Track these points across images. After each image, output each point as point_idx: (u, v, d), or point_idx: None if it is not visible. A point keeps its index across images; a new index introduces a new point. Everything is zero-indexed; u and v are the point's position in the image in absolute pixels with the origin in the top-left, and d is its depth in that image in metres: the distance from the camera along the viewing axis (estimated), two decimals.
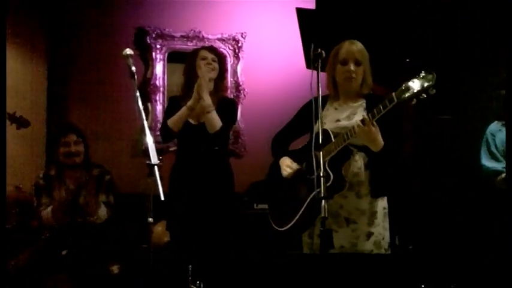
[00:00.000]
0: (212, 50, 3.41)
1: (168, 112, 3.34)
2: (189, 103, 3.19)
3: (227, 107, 3.32)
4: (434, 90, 2.32)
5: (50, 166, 3.71)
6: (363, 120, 2.45)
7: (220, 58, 3.40)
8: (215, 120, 3.18)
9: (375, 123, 2.44)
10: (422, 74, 2.34)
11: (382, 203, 2.66)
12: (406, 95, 2.35)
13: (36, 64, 4.93)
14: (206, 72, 3.24)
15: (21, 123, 3.10)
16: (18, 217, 4.22)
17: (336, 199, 2.57)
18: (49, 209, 3.43)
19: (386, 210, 2.68)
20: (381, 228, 2.63)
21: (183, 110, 3.21)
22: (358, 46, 2.69)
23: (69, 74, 5.07)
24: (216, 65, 3.31)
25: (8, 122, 3.03)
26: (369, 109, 2.58)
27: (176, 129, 3.22)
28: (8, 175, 4.42)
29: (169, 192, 3.21)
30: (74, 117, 4.95)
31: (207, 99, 3.17)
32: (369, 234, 2.60)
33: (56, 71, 5.02)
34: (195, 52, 3.37)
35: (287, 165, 2.75)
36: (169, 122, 3.24)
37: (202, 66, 3.26)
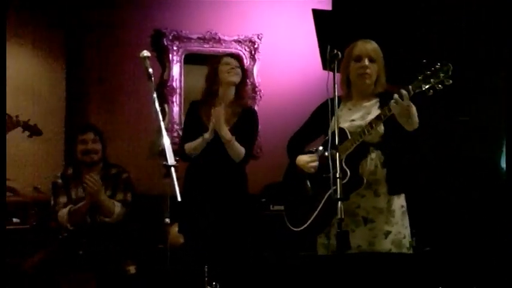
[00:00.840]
0: (235, 57, 3.44)
1: (187, 119, 3.36)
2: (207, 136, 3.20)
3: (249, 120, 3.35)
4: (451, 81, 2.32)
5: (68, 166, 3.75)
6: (401, 95, 2.40)
7: (243, 65, 3.44)
8: (238, 150, 3.21)
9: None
10: (438, 66, 2.34)
11: (399, 201, 2.64)
12: (423, 87, 2.35)
13: (55, 67, 4.99)
14: (230, 77, 3.26)
15: (34, 131, 3.15)
16: (37, 217, 4.27)
17: (353, 198, 2.56)
18: (66, 209, 3.46)
19: (405, 209, 2.66)
20: (400, 227, 2.61)
21: (200, 141, 3.22)
22: (372, 44, 2.69)
23: (87, 76, 5.12)
24: (239, 71, 3.33)
25: (20, 129, 3.07)
26: (382, 106, 2.56)
27: (193, 155, 3.26)
28: (26, 176, 4.51)
29: (184, 193, 3.21)
30: (91, 118, 4.99)
31: (226, 133, 3.17)
32: (387, 233, 2.58)
33: (74, 73, 5.07)
34: (218, 58, 3.40)
35: (307, 162, 2.70)
36: (187, 147, 3.26)
37: (227, 70, 3.29)
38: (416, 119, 2.46)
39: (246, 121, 3.30)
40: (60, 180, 3.59)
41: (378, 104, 2.67)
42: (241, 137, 3.24)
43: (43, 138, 4.74)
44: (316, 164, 2.67)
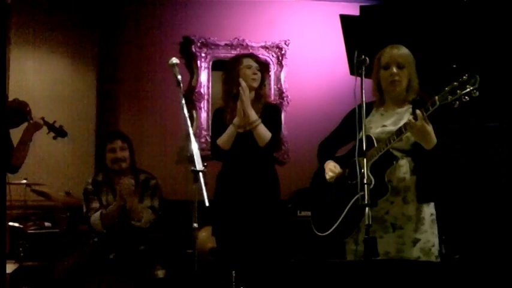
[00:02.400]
0: (255, 58, 3.38)
1: (214, 126, 3.36)
2: (236, 121, 3.18)
3: (272, 113, 3.31)
4: (478, 93, 2.29)
5: (98, 172, 3.81)
6: (415, 116, 2.40)
7: (263, 66, 3.38)
8: (264, 133, 3.17)
9: (427, 119, 2.40)
10: (465, 77, 2.31)
11: (429, 209, 2.62)
12: (449, 98, 2.33)
13: (86, 74, 5.10)
14: (251, 82, 3.25)
15: (59, 132, 3.18)
16: (68, 222, 4.35)
17: (382, 204, 2.54)
18: (97, 214, 3.51)
19: (434, 217, 2.63)
20: (429, 235, 2.58)
21: (231, 128, 3.20)
22: (400, 50, 2.66)
23: (117, 83, 5.21)
24: (259, 74, 3.30)
25: (45, 130, 3.12)
26: (414, 114, 2.55)
27: (227, 147, 3.23)
28: (58, 181, 4.60)
29: (215, 198, 3.23)
30: (121, 125, 5.08)
31: (253, 114, 3.16)
32: (415, 241, 2.55)
33: (105, 80, 5.17)
34: (238, 60, 3.34)
35: (330, 169, 2.74)
36: (219, 141, 3.24)
37: (248, 75, 3.26)
38: (432, 137, 2.44)
39: (269, 114, 3.27)
40: (91, 186, 3.64)
41: (410, 110, 2.64)
42: (267, 126, 3.21)
43: (74, 144, 4.85)
44: (332, 175, 2.71)
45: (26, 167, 3.16)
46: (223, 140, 3.22)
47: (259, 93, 3.32)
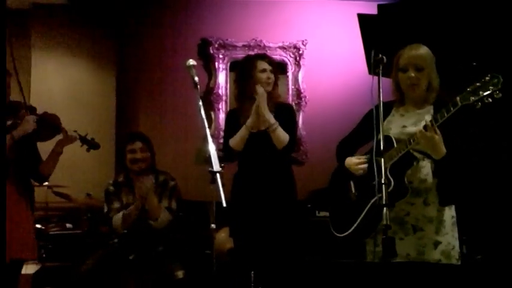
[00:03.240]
0: (268, 59, 3.34)
1: (227, 127, 3.35)
2: (249, 123, 3.18)
3: (286, 113, 3.30)
4: (500, 94, 2.25)
5: (119, 173, 3.85)
6: (425, 126, 2.40)
7: (276, 66, 3.35)
8: (282, 136, 3.16)
9: (437, 130, 2.39)
10: (488, 78, 2.28)
11: (450, 212, 2.59)
12: (471, 99, 2.29)
13: (105, 76, 5.16)
14: (266, 86, 3.23)
15: (92, 145, 3.25)
16: (89, 223, 4.40)
17: (403, 206, 2.52)
18: (120, 214, 3.55)
19: (455, 219, 2.60)
20: (450, 238, 2.55)
21: (243, 130, 3.20)
22: (419, 51, 2.61)
23: (136, 85, 5.26)
24: (273, 77, 3.28)
25: (79, 143, 3.19)
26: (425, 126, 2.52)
27: (239, 149, 3.23)
28: (79, 183, 4.65)
29: (232, 199, 3.24)
30: (141, 126, 5.13)
31: (271, 118, 3.15)
32: (436, 243, 2.53)
33: (124, 82, 5.22)
34: (252, 62, 3.32)
35: (356, 164, 2.67)
36: (231, 142, 3.25)
37: (263, 79, 3.24)
38: (441, 147, 2.42)
39: (282, 116, 3.25)
40: (112, 187, 3.68)
41: (431, 111, 2.61)
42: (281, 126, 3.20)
43: None
44: (365, 166, 2.64)
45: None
46: (236, 141, 3.22)
47: (272, 93, 3.30)
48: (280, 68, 3.81)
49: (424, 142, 2.42)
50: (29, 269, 3.92)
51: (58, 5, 5.02)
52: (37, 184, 3.35)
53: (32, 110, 3.09)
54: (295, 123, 3.39)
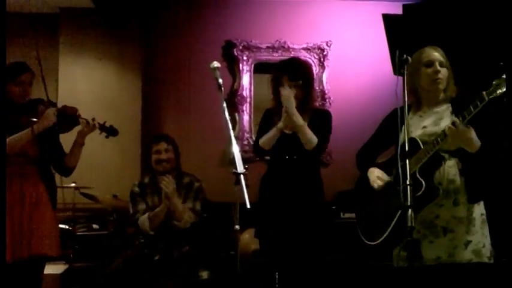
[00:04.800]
0: (295, 76, 3.19)
1: (261, 125, 3.34)
2: (280, 125, 3.15)
3: (320, 118, 3.26)
4: None
5: (144, 175, 3.88)
6: (453, 122, 2.37)
7: (305, 78, 3.23)
8: (310, 137, 3.13)
9: (467, 124, 2.35)
10: None
11: (479, 209, 2.55)
12: (498, 92, 2.27)
13: (131, 78, 5.21)
14: (292, 99, 3.14)
15: (111, 131, 3.25)
16: (116, 224, 4.44)
17: (432, 208, 2.50)
18: (146, 216, 3.58)
19: (485, 217, 2.57)
20: (480, 236, 2.52)
21: (274, 131, 3.18)
22: (439, 50, 2.63)
23: (161, 87, 5.31)
24: (299, 91, 3.17)
25: (98, 131, 3.20)
26: (456, 111, 2.49)
27: (268, 148, 3.22)
28: (105, 184, 4.71)
29: (260, 199, 3.23)
30: (166, 128, 5.17)
31: (298, 119, 3.11)
32: (467, 243, 2.50)
33: (150, 84, 5.27)
34: (278, 79, 3.22)
35: (377, 177, 2.68)
36: (261, 142, 3.23)
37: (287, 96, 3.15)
38: (475, 140, 2.39)
39: (317, 119, 3.22)
40: (137, 189, 3.72)
41: (450, 109, 2.59)
42: (316, 134, 3.16)
43: (121, 148, 4.97)
44: (381, 184, 2.65)
45: (74, 171, 3.25)
46: (264, 140, 3.22)
47: (305, 100, 3.23)
48: None
49: (455, 138, 2.39)
50: (56, 269, 3.99)
51: (85, 9, 5.09)
52: (61, 185, 3.37)
53: (52, 105, 3.12)
54: (330, 128, 3.31)
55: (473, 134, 2.38)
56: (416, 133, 2.58)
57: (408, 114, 2.66)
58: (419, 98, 2.67)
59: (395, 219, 2.51)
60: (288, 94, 3.12)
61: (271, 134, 3.20)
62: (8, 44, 4.98)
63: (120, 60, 5.19)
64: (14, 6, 5.05)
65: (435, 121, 2.59)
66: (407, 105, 2.64)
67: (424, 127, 2.60)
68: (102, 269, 3.48)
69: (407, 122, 2.42)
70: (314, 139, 3.14)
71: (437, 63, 2.58)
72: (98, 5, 5.04)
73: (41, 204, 3.03)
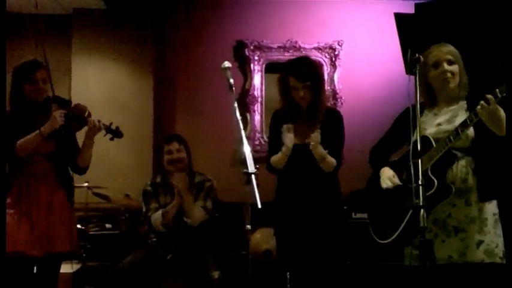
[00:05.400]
0: (302, 77, 3.06)
1: (272, 130, 3.24)
2: (285, 150, 3.03)
3: (334, 121, 3.16)
4: None
5: (157, 174, 3.90)
6: (487, 100, 2.30)
7: (313, 78, 3.10)
8: (330, 164, 3.03)
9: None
10: None
11: (492, 209, 2.53)
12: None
13: (143, 78, 5.24)
14: (301, 102, 3.08)
15: (116, 133, 3.25)
16: (128, 223, 4.47)
17: (444, 207, 2.49)
18: (158, 213, 3.60)
19: (497, 216, 2.55)
20: (493, 236, 2.50)
21: (280, 155, 3.08)
22: (447, 47, 2.60)
23: (173, 87, 5.34)
24: (308, 92, 3.07)
25: (103, 132, 3.21)
26: (471, 108, 2.47)
27: (280, 167, 3.14)
28: (117, 184, 4.74)
29: (277, 197, 3.21)
30: (178, 128, 5.20)
31: (320, 151, 2.99)
32: (479, 243, 2.48)
33: (161, 84, 5.30)
34: (286, 79, 3.12)
35: (388, 178, 2.67)
36: (272, 161, 3.16)
37: (296, 96, 3.09)
38: (504, 123, 2.36)
39: (331, 123, 3.15)
40: (150, 188, 3.74)
41: (465, 106, 2.57)
42: (329, 141, 3.07)
43: (133, 148, 5.00)
44: (390, 185, 2.64)
45: (87, 170, 3.28)
46: (276, 160, 3.12)
47: (316, 101, 3.12)
48: None
49: (487, 116, 2.33)
50: (69, 268, 4.02)
51: (97, 10, 5.13)
52: (74, 184, 3.39)
53: (66, 103, 3.13)
54: (343, 131, 3.20)
55: (504, 115, 2.34)
56: (431, 130, 2.57)
57: (422, 111, 2.65)
58: (433, 96, 2.65)
59: (407, 217, 2.50)
60: (316, 136, 2.98)
61: (279, 156, 3.10)
62: (21, 45, 5.11)
63: (132, 61, 5.22)
64: (28, 8, 5.11)
65: (450, 119, 2.58)
66: (421, 103, 2.63)
67: (439, 124, 2.59)
68: (115, 268, 3.50)
69: (419, 121, 2.40)
70: (333, 164, 3.06)
71: (444, 63, 2.57)
72: (110, 6, 5.08)
73: (58, 201, 3.05)
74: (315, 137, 2.98)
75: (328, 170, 3.08)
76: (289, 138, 3.02)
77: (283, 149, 3.06)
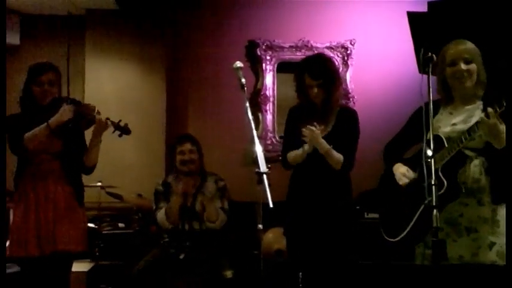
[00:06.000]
0: (316, 74, 3.06)
1: (288, 128, 3.27)
2: (306, 148, 3.06)
3: (348, 120, 3.16)
4: None
5: (169, 174, 3.92)
6: (487, 114, 2.32)
7: (328, 77, 3.09)
8: (336, 159, 3.05)
9: (499, 118, 2.30)
10: None
11: (504, 211, 2.50)
12: None
13: (156, 78, 5.26)
14: (315, 100, 3.10)
15: (124, 130, 3.25)
16: (140, 222, 4.49)
17: (456, 207, 2.47)
18: (162, 210, 3.63)
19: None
20: (505, 238, 2.46)
21: (300, 152, 3.10)
22: (465, 45, 2.57)
23: (185, 87, 5.35)
24: (322, 90, 3.08)
25: (112, 129, 3.21)
26: (485, 110, 2.44)
27: (295, 164, 3.17)
28: (130, 184, 4.76)
29: (289, 197, 3.21)
30: (190, 128, 5.21)
31: (323, 146, 3.02)
32: (491, 244, 2.45)
33: (174, 84, 5.32)
34: (301, 77, 3.12)
35: (403, 173, 2.66)
36: (289, 157, 3.17)
37: (312, 95, 3.10)
38: (503, 137, 2.34)
39: (344, 122, 3.15)
40: (161, 187, 3.76)
41: (481, 106, 2.55)
42: (341, 140, 3.09)
43: (146, 148, 5.04)
44: (406, 180, 2.62)
45: (100, 170, 3.28)
46: (292, 157, 3.15)
47: (329, 98, 3.12)
48: None
49: (486, 130, 2.34)
50: (82, 266, 4.05)
51: (110, 10, 5.16)
52: (88, 184, 3.40)
53: (76, 103, 3.15)
54: (358, 131, 3.18)
55: (503, 130, 2.33)
56: (445, 129, 2.55)
57: (438, 109, 2.63)
58: (449, 93, 2.63)
59: (416, 215, 2.50)
60: (317, 132, 3.00)
61: (298, 155, 3.11)
62: (36, 46, 5.16)
63: (145, 61, 5.24)
64: (41, 9, 5.15)
65: (465, 119, 2.55)
66: (437, 100, 2.62)
67: (454, 124, 2.57)
68: (130, 267, 3.52)
69: (433, 119, 2.38)
70: (340, 159, 3.06)
71: (461, 62, 2.54)
72: (123, 6, 5.10)
73: (65, 201, 3.06)
74: (309, 131, 2.98)
75: (336, 167, 3.08)
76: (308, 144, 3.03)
77: (305, 147, 3.06)
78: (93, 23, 5.24)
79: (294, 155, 3.16)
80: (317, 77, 3.05)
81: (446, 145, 2.47)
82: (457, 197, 2.44)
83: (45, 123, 2.97)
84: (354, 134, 3.17)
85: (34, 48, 5.25)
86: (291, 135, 3.20)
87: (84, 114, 3.10)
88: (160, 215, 3.64)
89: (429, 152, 2.31)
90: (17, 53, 5.28)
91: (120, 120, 3.18)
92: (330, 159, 3.05)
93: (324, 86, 3.06)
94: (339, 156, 3.07)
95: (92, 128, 3.15)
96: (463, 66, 2.54)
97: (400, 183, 2.65)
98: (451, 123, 2.58)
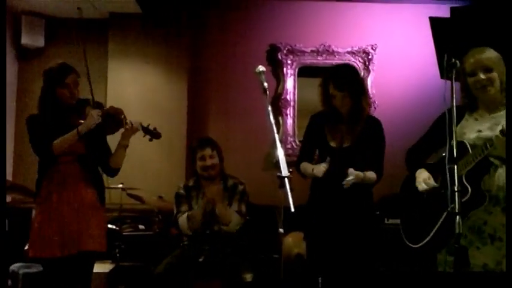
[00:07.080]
0: (341, 86, 3.05)
1: (307, 136, 3.26)
2: (313, 174, 3.06)
3: (373, 130, 3.14)
4: None
5: (190, 177, 3.94)
6: (502, 131, 2.31)
7: (352, 87, 3.07)
8: (371, 179, 3.06)
9: None
10: None
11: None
12: None
13: (177, 81, 5.31)
14: (341, 109, 3.10)
15: (154, 134, 3.29)
16: (161, 224, 4.52)
17: (480, 214, 2.45)
18: (185, 216, 3.64)
19: None
20: (505, 238, 2.43)
21: (310, 172, 3.09)
22: (484, 53, 2.53)
23: (207, 90, 5.38)
24: (347, 101, 3.08)
25: (142, 134, 3.24)
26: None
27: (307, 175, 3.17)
28: (151, 186, 4.80)
29: (309, 202, 3.21)
30: (211, 131, 5.24)
31: (361, 178, 3.00)
32: None
33: (195, 87, 5.35)
34: (326, 86, 3.12)
35: (424, 180, 2.63)
36: (302, 168, 3.18)
37: (337, 104, 3.10)
38: None
39: (370, 132, 3.13)
40: (182, 191, 3.78)
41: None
42: (369, 150, 3.09)
43: (167, 151, 5.07)
44: (426, 188, 2.59)
45: (122, 172, 3.31)
46: (305, 172, 3.15)
47: (356, 107, 3.11)
48: None
49: (500, 147, 2.33)
50: (103, 267, 4.09)
51: (133, 14, 5.21)
52: (109, 185, 3.43)
53: (99, 105, 3.19)
54: (383, 141, 3.18)
55: None
56: (471, 136, 2.53)
57: (463, 115, 2.62)
58: (475, 102, 2.61)
59: (440, 221, 2.48)
60: (349, 182, 2.98)
61: (309, 172, 3.10)
62: (60, 48, 5.23)
63: (166, 64, 5.29)
64: (67, 13, 5.23)
65: (491, 126, 2.52)
66: (462, 106, 2.59)
67: (479, 131, 2.54)
68: (152, 270, 3.55)
69: (458, 126, 2.36)
70: (374, 178, 3.07)
71: (480, 72, 2.51)
72: (146, 10, 5.15)
73: (88, 201, 3.09)
74: (349, 180, 2.97)
75: (370, 184, 3.10)
76: (321, 169, 3.03)
77: (315, 171, 3.06)
78: (116, 26, 5.30)
79: (305, 169, 3.16)
80: (342, 89, 3.05)
81: (471, 152, 2.44)
82: (481, 204, 2.42)
83: (75, 130, 3.00)
84: (381, 145, 3.17)
85: (58, 51, 5.33)
86: (309, 144, 3.21)
87: (112, 117, 3.13)
88: (182, 220, 3.64)
89: (452, 159, 2.29)
90: (42, 55, 5.38)
91: (149, 124, 3.22)
92: (366, 182, 3.06)
93: (350, 97, 3.07)
94: (372, 176, 3.08)
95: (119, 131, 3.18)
96: (482, 75, 2.51)
97: (418, 187, 2.63)
98: (477, 130, 2.55)
